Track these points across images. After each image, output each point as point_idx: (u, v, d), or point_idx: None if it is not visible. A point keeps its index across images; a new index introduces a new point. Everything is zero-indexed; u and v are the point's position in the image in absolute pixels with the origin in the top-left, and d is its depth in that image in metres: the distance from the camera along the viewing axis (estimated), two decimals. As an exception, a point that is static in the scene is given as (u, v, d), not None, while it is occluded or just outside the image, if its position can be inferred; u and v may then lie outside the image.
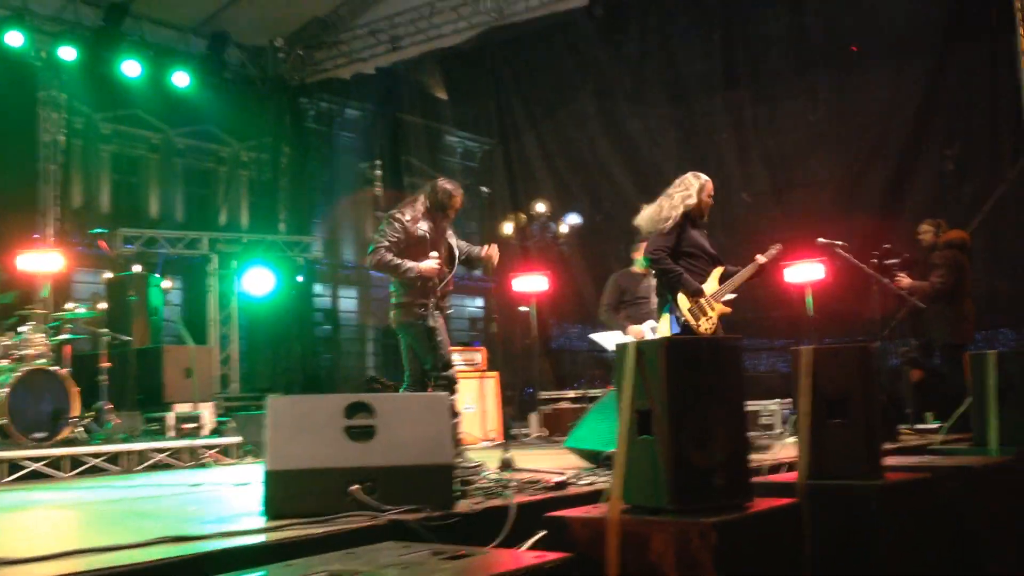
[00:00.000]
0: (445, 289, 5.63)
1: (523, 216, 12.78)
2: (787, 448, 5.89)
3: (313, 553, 2.73)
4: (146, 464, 7.06)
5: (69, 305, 7.84)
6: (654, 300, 7.34)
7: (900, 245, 8.37)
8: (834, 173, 10.46)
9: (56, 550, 2.91)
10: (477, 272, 5.76)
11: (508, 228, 12.97)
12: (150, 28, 12.46)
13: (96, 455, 6.82)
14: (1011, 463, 5.19)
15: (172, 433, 8.01)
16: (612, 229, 11.88)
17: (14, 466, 6.36)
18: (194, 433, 8.03)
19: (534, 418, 10.07)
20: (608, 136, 11.99)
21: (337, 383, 14.86)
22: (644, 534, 3.06)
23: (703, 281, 5.92)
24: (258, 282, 12.76)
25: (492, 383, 9.68)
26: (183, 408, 8.41)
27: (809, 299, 7.71)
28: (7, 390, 6.84)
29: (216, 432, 8.19)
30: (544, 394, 10.29)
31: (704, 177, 6.12)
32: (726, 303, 5.98)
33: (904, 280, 7.88)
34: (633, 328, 7.17)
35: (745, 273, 6.07)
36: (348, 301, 19.51)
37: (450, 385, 5.45)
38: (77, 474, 6.62)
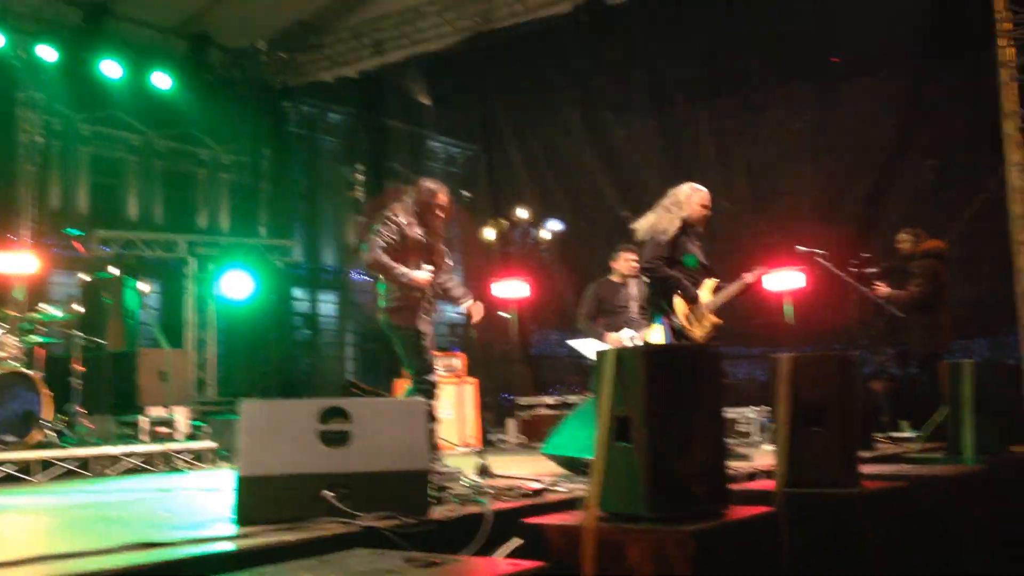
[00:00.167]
0: (434, 294, 5.63)
1: (505, 222, 12.76)
2: (765, 456, 5.90)
3: (284, 560, 2.69)
4: (119, 469, 6.97)
5: (42, 306, 7.73)
6: (633, 309, 7.37)
7: (879, 254, 8.43)
8: (815, 182, 10.52)
9: (21, 556, 2.85)
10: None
11: (490, 234, 12.95)
12: (131, 28, 12.36)
13: (67, 459, 6.72)
14: (986, 472, 5.21)
15: (146, 437, 7.91)
16: (594, 236, 11.88)
17: (-16, 470, 6.26)
18: (168, 438, 7.94)
19: (512, 424, 10.04)
20: (591, 143, 12.01)
21: (315, 388, 14.76)
22: (621, 542, 3.03)
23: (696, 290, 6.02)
24: (236, 286, 12.67)
25: (471, 389, 9.65)
26: (157, 412, 8.31)
27: (788, 307, 7.74)
28: (-22, 392, 6.74)
29: (191, 437, 8.10)
30: (523, 400, 10.25)
31: (699, 188, 6.23)
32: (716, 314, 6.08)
33: (882, 289, 7.93)
34: (611, 336, 7.16)
35: (733, 290, 6.25)
36: (328, 306, 19.40)
37: (431, 390, 5.44)
38: (48, 478, 6.52)
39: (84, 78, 11.96)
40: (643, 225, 6.27)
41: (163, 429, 8.09)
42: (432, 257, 5.54)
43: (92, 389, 7.95)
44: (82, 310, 8.02)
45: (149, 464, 7.16)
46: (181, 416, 8.32)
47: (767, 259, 8.07)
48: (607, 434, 3.21)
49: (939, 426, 6.01)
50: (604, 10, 11.31)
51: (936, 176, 9.75)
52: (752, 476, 4.83)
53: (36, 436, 6.92)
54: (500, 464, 5.81)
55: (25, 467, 6.47)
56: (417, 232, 5.46)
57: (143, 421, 8.08)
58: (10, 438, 6.79)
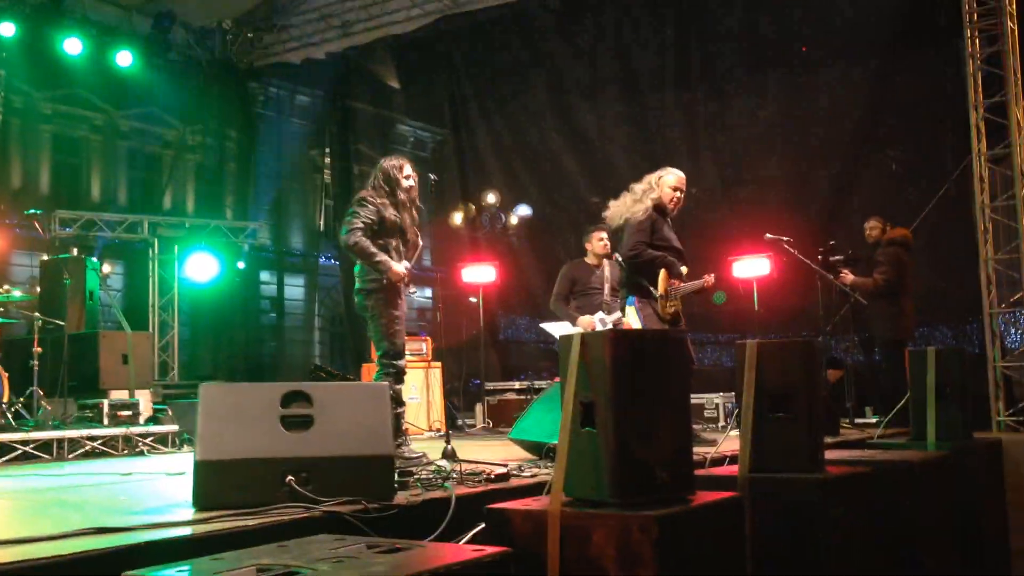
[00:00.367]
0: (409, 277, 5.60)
1: (473, 206, 12.70)
2: (731, 441, 5.92)
3: (243, 546, 2.63)
4: (79, 452, 6.85)
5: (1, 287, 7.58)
6: (607, 291, 7.36)
7: (845, 242, 8.50)
8: (782, 170, 10.57)
9: (-30, 541, 2.78)
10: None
11: (458, 218, 12.89)
12: (92, 5, 12.13)
13: (25, 442, 6.59)
14: (948, 458, 5.27)
15: (107, 421, 7.78)
16: (562, 221, 11.89)
17: (-62, 453, 6.14)
18: (130, 421, 7.82)
19: (479, 409, 10.03)
20: (560, 129, 11.98)
21: (282, 372, 14.67)
22: (585, 527, 3.01)
23: None
24: (201, 268, 12.50)
25: (437, 373, 9.61)
26: (119, 395, 8.19)
27: (754, 294, 7.79)
28: (-68, 374, 6.60)
29: (153, 420, 7.99)
30: (490, 385, 10.24)
31: (671, 170, 6.26)
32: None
33: (848, 276, 8.01)
34: (583, 319, 7.16)
35: (696, 285, 6.37)
36: (295, 289, 19.27)
37: (399, 374, 5.40)
38: (5, 462, 6.38)
39: (45, 55, 11.71)
40: (615, 212, 6.30)
41: (125, 413, 7.97)
42: (407, 236, 5.52)
43: (51, 371, 7.82)
44: (40, 291, 7.87)
45: (110, 448, 7.05)
46: (144, 399, 8.20)
47: (734, 246, 8.13)
48: (572, 419, 3.19)
49: (902, 412, 6.07)
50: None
51: (901, 166, 9.85)
52: (718, 461, 4.84)
53: (-8, 419, 6.80)
54: (467, 449, 5.79)
55: (-19, 451, 6.35)
56: (392, 213, 5.42)
57: (105, 404, 7.96)
58: (-35, 421, 6.66)
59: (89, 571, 2.54)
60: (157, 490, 4.71)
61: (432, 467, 4.56)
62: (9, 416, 6.95)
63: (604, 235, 7.36)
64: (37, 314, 7.82)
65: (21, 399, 7.52)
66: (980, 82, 8.30)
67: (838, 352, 8.87)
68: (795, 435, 3.87)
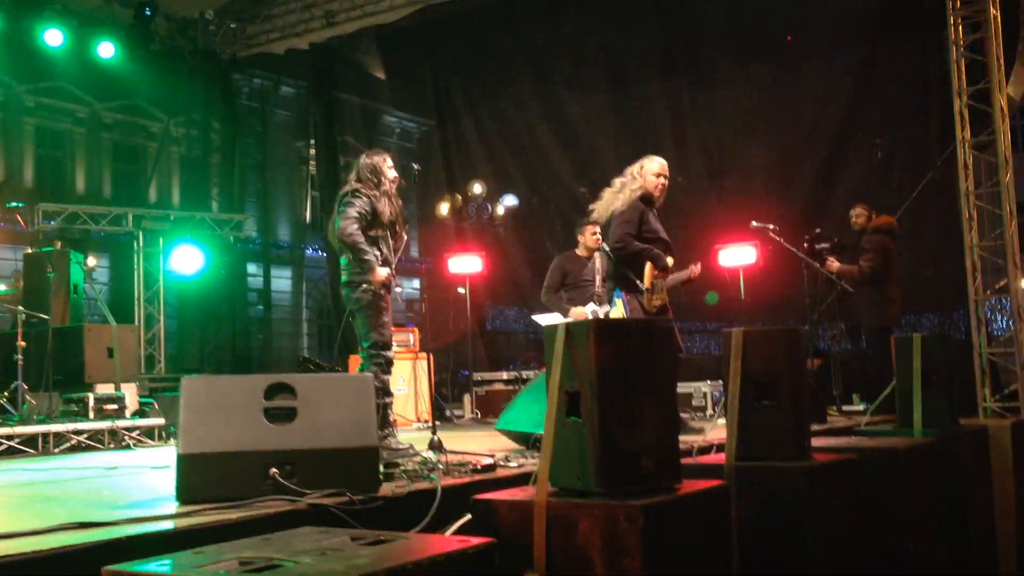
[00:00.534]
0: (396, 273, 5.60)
1: (459, 197, 12.66)
2: (719, 430, 5.92)
3: (227, 539, 2.61)
4: (64, 446, 6.81)
5: (-17, 281, 7.52)
6: (598, 283, 7.35)
7: (831, 230, 8.51)
8: (768, 159, 10.58)
9: (-49, 537, 2.75)
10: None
11: (444, 209, 12.84)
12: (74, -5, 11.99)
13: (10, 437, 6.55)
14: (934, 444, 5.29)
15: (92, 415, 7.73)
16: (548, 211, 11.87)
17: (-79, 449, 6.09)
18: (116, 415, 7.77)
19: (467, 400, 10.01)
20: (546, 119, 11.94)
21: (269, 365, 14.60)
22: (571, 517, 3.01)
23: None
24: (186, 260, 12.42)
25: (425, 364, 9.58)
26: (105, 389, 8.13)
27: (741, 282, 7.80)
28: (-86, 370, 6.53)
29: (139, 414, 7.94)
30: (478, 376, 10.23)
31: (653, 158, 6.25)
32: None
33: (834, 264, 8.03)
34: (575, 311, 7.14)
35: (682, 276, 6.47)
36: (282, 282, 19.19)
37: (386, 365, 5.38)
38: (-11, 457, 6.35)
39: (26, 47, 11.59)
40: (601, 205, 6.29)
41: (110, 406, 7.92)
42: (396, 228, 5.53)
43: (36, 365, 7.76)
44: (24, 284, 7.80)
45: (96, 442, 7.01)
46: (129, 393, 8.15)
47: (720, 235, 8.13)
48: (558, 409, 3.18)
49: (889, 398, 6.09)
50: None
51: (885, 154, 9.87)
52: (704, 450, 4.84)
53: (-25, 414, 6.75)
54: (454, 439, 5.78)
55: (-36, 446, 6.30)
56: (383, 204, 5.42)
57: (90, 398, 7.90)
58: (-52, 416, 6.61)
59: (71, 565, 2.52)
60: (142, 484, 4.69)
61: (418, 458, 4.55)
62: (-7, 411, 6.90)
63: (597, 228, 7.33)
64: (21, 308, 7.76)
65: (6, 393, 7.47)
66: (964, 69, 8.31)
67: (823, 340, 8.89)
68: (781, 423, 3.88)
